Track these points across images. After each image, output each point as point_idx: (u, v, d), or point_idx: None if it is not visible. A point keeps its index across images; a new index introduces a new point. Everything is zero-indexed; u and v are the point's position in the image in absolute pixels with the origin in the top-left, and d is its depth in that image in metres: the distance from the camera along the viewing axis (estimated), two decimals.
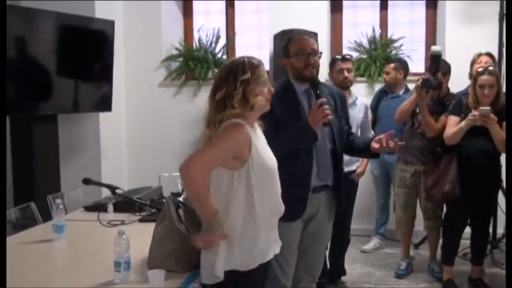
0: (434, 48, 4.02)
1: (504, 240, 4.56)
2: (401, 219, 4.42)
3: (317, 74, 2.83)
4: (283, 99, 2.71)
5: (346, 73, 3.99)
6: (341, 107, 2.93)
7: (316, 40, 2.90)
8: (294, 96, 2.81)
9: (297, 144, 2.53)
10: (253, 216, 2.13)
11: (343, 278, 4.20)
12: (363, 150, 2.92)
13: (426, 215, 4.33)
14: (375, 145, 2.77)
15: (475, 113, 3.74)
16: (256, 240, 2.15)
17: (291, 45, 2.83)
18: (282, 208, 2.26)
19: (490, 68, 3.89)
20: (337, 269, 4.15)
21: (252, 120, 2.21)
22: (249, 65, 2.16)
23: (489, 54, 4.41)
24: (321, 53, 2.84)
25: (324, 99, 2.69)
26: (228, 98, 2.12)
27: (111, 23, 5.17)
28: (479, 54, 4.41)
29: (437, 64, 3.97)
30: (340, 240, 4.01)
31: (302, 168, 2.39)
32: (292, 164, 2.65)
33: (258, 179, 2.13)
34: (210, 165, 2.10)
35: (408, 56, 5.52)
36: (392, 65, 4.88)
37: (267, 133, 2.31)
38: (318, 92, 2.77)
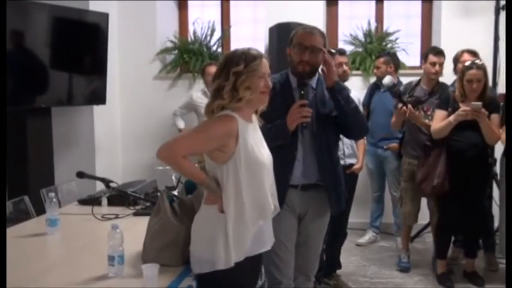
0: (384, 81, 4.19)
1: (498, 233, 4.57)
2: (411, 213, 4.40)
3: (312, 71, 2.76)
4: (278, 93, 2.67)
5: (345, 67, 3.97)
6: None
7: (324, 38, 2.79)
8: (289, 90, 2.77)
9: (272, 141, 2.41)
10: (242, 211, 2.12)
11: (338, 272, 4.21)
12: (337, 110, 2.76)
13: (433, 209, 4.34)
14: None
15: (464, 108, 3.74)
16: (244, 234, 2.14)
17: (295, 36, 2.79)
18: (269, 205, 2.22)
19: (477, 61, 3.89)
20: (332, 262, 4.15)
21: (247, 113, 2.20)
22: (245, 57, 2.15)
23: (471, 52, 4.39)
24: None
25: (305, 101, 2.64)
26: (221, 88, 2.13)
27: (105, 16, 5.14)
28: (462, 51, 4.41)
29: (393, 90, 4.12)
30: (337, 234, 4.01)
31: (282, 164, 2.33)
32: (274, 159, 2.59)
33: (245, 173, 2.12)
34: (184, 151, 2.13)
35: (404, 50, 5.53)
36: (382, 59, 4.89)
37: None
38: (303, 92, 2.70)
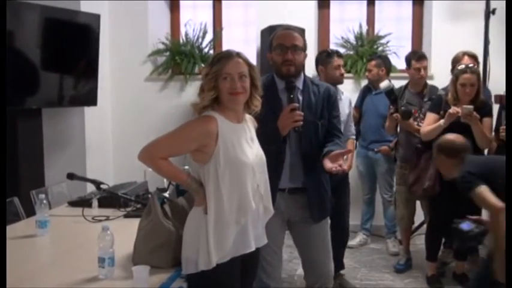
0: (382, 85, 4.33)
1: None
2: (403, 216, 4.50)
3: (297, 71, 2.75)
4: (264, 95, 2.66)
5: (342, 69, 4.04)
6: (327, 105, 2.81)
7: (303, 36, 2.82)
8: (275, 93, 2.75)
9: (265, 145, 2.35)
10: (222, 211, 2.11)
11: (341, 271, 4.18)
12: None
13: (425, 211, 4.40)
14: (327, 164, 2.51)
15: (453, 109, 3.76)
16: (226, 234, 2.12)
17: (274, 39, 2.78)
18: (250, 204, 2.18)
19: (471, 65, 3.91)
20: (337, 263, 4.12)
21: (229, 113, 2.20)
22: (213, 59, 2.20)
23: (471, 55, 4.39)
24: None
25: (296, 105, 2.62)
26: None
27: (97, 17, 5.12)
28: (463, 54, 4.42)
29: (391, 96, 4.22)
30: (339, 236, 3.99)
31: (269, 169, 2.33)
32: None
33: (225, 172, 2.11)
34: (163, 153, 2.18)
35: (395, 53, 5.56)
36: (373, 62, 4.92)
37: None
38: (292, 96, 2.68)
